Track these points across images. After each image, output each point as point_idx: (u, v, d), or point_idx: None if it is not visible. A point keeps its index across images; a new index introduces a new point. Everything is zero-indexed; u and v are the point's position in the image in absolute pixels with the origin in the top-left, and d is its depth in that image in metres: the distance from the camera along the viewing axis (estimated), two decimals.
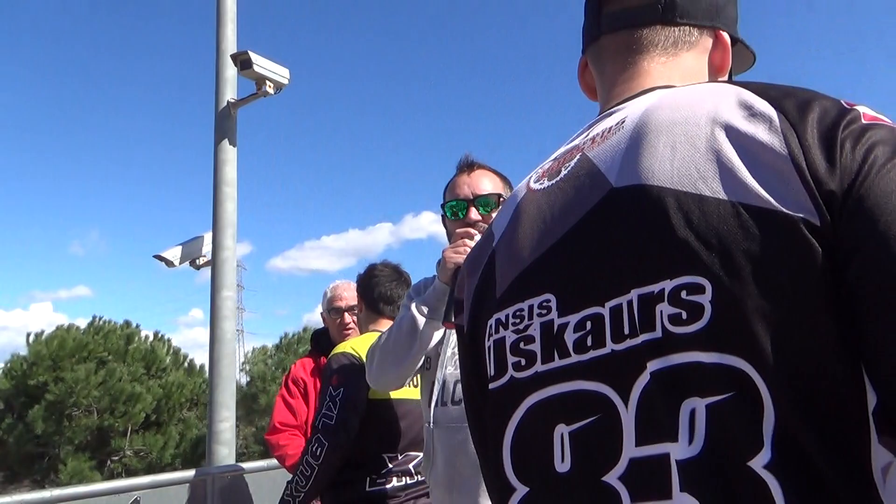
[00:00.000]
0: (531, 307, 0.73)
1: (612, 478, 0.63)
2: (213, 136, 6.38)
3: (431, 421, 1.92)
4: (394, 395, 2.49)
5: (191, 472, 3.87)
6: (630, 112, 0.76)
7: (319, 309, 3.48)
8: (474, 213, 1.95)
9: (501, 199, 1.97)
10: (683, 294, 0.60)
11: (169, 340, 19.95)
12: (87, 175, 61.53)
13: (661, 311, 0.61)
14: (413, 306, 1.92)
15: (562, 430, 0.68)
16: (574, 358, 0.68)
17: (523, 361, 0.73)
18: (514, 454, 0.74)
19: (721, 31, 0.86)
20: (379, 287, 2.74)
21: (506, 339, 0.75)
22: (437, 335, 1.95)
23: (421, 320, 1.90)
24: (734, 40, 0.87)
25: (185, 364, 20.05)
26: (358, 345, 2.60)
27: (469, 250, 1.67)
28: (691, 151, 0.65)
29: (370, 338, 2.43)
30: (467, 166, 2.06)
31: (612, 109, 0.82)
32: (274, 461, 3.61)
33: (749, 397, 0.57)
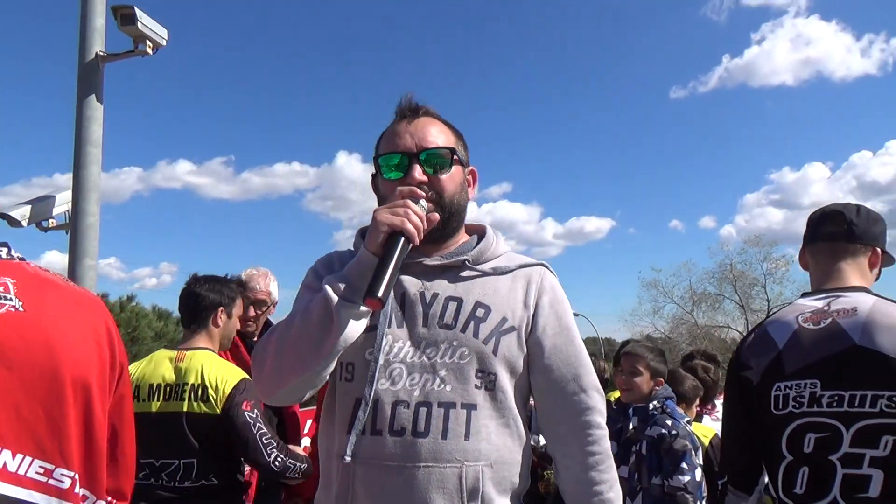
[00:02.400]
0: (805, 384, 1.76)
1: (833, 457, 1.69)
2: (76, 90, 5.88)
3: (349, 453, 1.41)
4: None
5: None
6: (859, 304, 1.78)
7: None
8: (418, 172, 1.52)
9: (455, 157, 1.59)
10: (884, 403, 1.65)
11: None
12: None
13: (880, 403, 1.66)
14: (327, 285, 1.41)
15: (810, 435, 1.73)
16: (824, 409, 1.72)
17: (797, 405, 1.75)
18: (787, 442, 1.79)
19: (877, 248, 1.93)
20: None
21: (790, 394, 1.78)
22: (359, 326, 1.42)
23: (342, 307, 1.38)
24: (884, 252, 1.95)
25: None
26: None
27: (411, 215, 1.41)
28: None
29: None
30: (410, 111, 1.61)
31: (830, 295, 1.88)
32: None
33: None
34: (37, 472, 1.21)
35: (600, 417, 1.55)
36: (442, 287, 1.52)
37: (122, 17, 5.55)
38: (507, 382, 1.49)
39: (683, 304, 33.30)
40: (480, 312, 1.50)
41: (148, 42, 5.80)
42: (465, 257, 1.57)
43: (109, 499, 1.40)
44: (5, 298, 1.23)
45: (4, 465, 1.17)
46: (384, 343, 1.46)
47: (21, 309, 1.23)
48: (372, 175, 1.65)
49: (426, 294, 1.51)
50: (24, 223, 5.90)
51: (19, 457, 1.19)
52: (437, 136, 1.57)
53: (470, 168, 1.68)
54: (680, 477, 2.97)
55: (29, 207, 5.93)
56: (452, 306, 1.50)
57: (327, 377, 1.46)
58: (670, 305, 33.57)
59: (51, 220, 6.11)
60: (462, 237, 1.66)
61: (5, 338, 1.20)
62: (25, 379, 1.21)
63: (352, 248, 1.66)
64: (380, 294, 1.35)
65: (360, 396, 1.45)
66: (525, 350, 1.53)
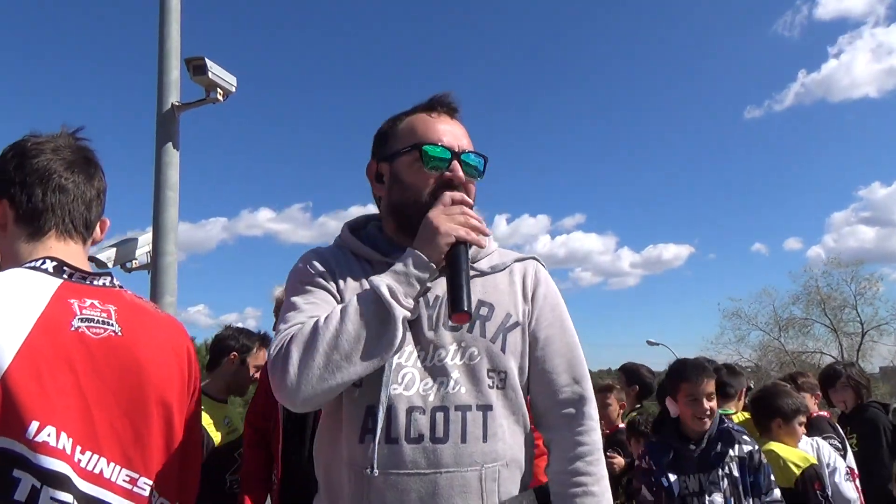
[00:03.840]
0: None
1: None
2: (155, 138, 6.29)
3: (374, 465, 1.35)
4: None
5: None
6: None
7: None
8: (460, 171, 1.51)
9: (485, 167, 1.59)
10: None
11: None
12: None
13: None
14: (383, 285, 1.36)
15: None
16: None
17: None
18: None
19: None
20: None
21: None
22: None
23: (398, 309, 1.35)
24: None
25: None
26: None
27: (473, 222, 1.43)
28: None
29: None
30: (452, 109, 1.59)
31: None
32: None
33: None
34: (124, 480, 1.34)
35: (593, 410, 1.54)
36: (443, 289, 1.46)
37: (194, 68, 5.94)
38: (516, 379, 1.49)
39: (769, 331, 31.84)
40: (485, 311, 1.49)
41: (219, 90, 6.18)
42: None
43: None
44: (108, 324, 1.37)
45: (101, 472, 1.31)
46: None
47: (120, 333, 1.38)
48: (378, 161, 1.59)
49: (428, 297, 1.47)
50: (110, 265, 6.29)
51: (112, 465, 1.33)
52: (471, 143, 1.58)
53: None
54: (775, 491, 2.87)
55: (114, 250, 6.34)
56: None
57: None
58: (756, 332, 32.14)
59: (134, 262, 6.49)
60: None
61: (105, 359, 1.34)
62: (119, 396, 1.35)
63: (339, 244, 1.61)
64: (467, 307, 1.38)
65: (371, 403, 1.40)
66: (527, 343, 1.54)
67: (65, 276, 1.39)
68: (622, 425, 4.85)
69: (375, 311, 1.35)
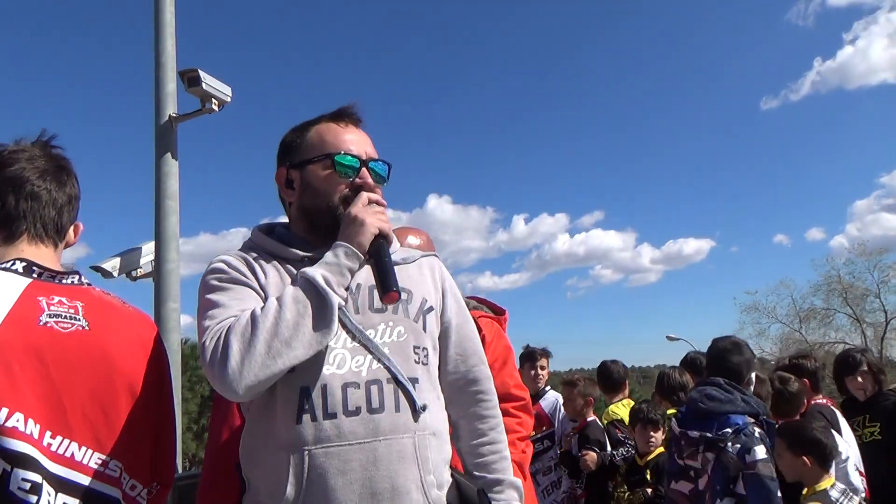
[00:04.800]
0: None
1: None
2: (154, 150, 6.46)
3: (307, 440, 1.43)
4: None
5: None
6: None
7: None
8: (370, 178, 1.65)
9: (390, 174, 1.71)
10: None
11: None
12: None
13: None
14: (318, 275, 1.46)
15: None
16: None
17: None
18: None
19: None
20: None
21: None
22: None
23: (334, 297, 1.45)
24: None
25: None
26: None
27: (387, 219, 1.58)
28: None
29: None
30: (356, 120, 1.71)
31: None
32: None
33: None
34: (96, 463, 1.45)
35: (492, 387, 1.78)
36: (362, 278, 1.58)
37: (189, 80, 6.10)
38: (433, 358, 1.65)
39: (790, 322, 31.46)
40: (405, 296, 1.62)
41: (213, 100, 6.33)
42: None
43: (155, 484, 1.62)
44: (75, 319, 1.47)
45: (72, 455, 1.42)
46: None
47: (87, 328, 1.48)
48: (286, 168, 1.68)
49: (351, 286, 1.56)
50: (115, 274, 6.46)
51: (84, 448, 1.44)
52: (375, 151, 1.70)
53: None
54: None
55: (119, 259, 6.51)
56: (378, 293, 1.56)
57: None
58: (776, 325, 31.77)
59: (138, 270, 6.65)
60: None
61: (74, 351, 1.44)
62: (89, 385, 1.45)
63: (250, 246, 1.66)
64: (396, 288, 1.52)
65: (305, 385, 1.47)
66: (439, 328, 1.71)
67: (34, 275, 1.49)
68: (591, 418, 4.87)
69: (313, 299, 1.45)
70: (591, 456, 4.51)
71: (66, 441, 1.40)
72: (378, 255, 1.54)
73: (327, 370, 1.47)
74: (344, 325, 1.53)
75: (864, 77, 50.66)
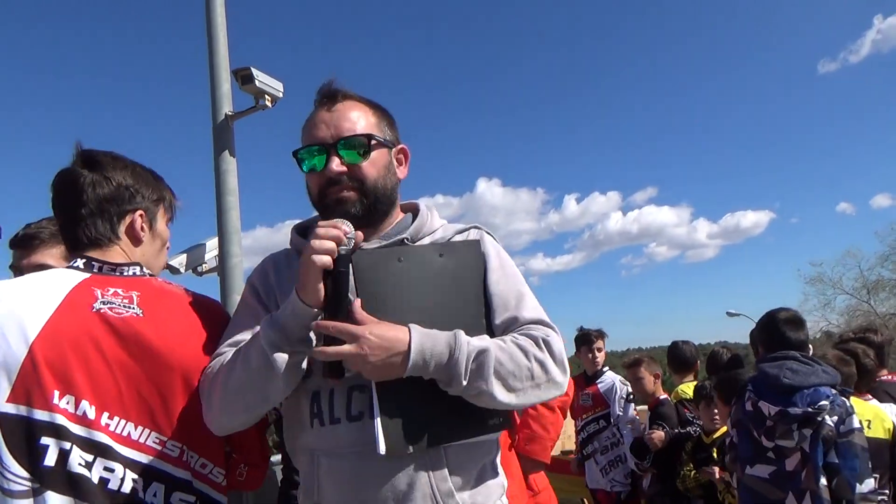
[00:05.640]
0: None
1: None
2: (213, 148, 6.65)
3: (317, 447, 1.49)
4: None
5: None
6: None
7: None
8: (336, 164, 1.51)
9: (374, 142, 1.55)
10: None
11: None
12: None
13: None
14: (264, 342, 1.40)
15: None
16: None
17: None
18: None
19: None
20: None
21: None
22: (300, 368, 1.45)
23: (282, 360, 1.39)
24: None
25: None
26: None
27: (333, 242, 1.38)
28: None
29: None
30: (328, 98, 1.58)
31: None
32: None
33: None
34: (154, 442, 1.55)
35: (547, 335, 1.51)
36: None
37: (242, 78, 6.25)
38: None
39: (857, 294, 30.32)
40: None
41: (267, 97, 6.47)
42: (404, 235, 1.59)
43: (243, 465, 1.74)
44: (129, 307, 1.58)
45: (129, 434, 1.52)
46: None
47: (141, 315, 1.58)
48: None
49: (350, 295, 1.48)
50: (182, 270, 6.70)
51: (140, 428, 1.54)
52: (355, 121, 1.54)
53: (399, 147, 1.67)
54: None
55: (185, 256, 6.74)
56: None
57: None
58: (842, 297, 30.68)
59: (203, 265, 6.89)
60: (397, 216, 1.67)
61: (129, 336, 1.55)
62: (145, 367, 1.55)
63: (289, 247, 1.66)
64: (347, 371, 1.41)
65: (316, 389, 1.49)
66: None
67: (94, 270, 1.63)
68: (663, 396, 4.84)
69: (262, 358, 1.40)
70: (658, 434, 4.50)
71: (123, 421, 1.51)
72: (334, 297, 1.40)
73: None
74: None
75: None
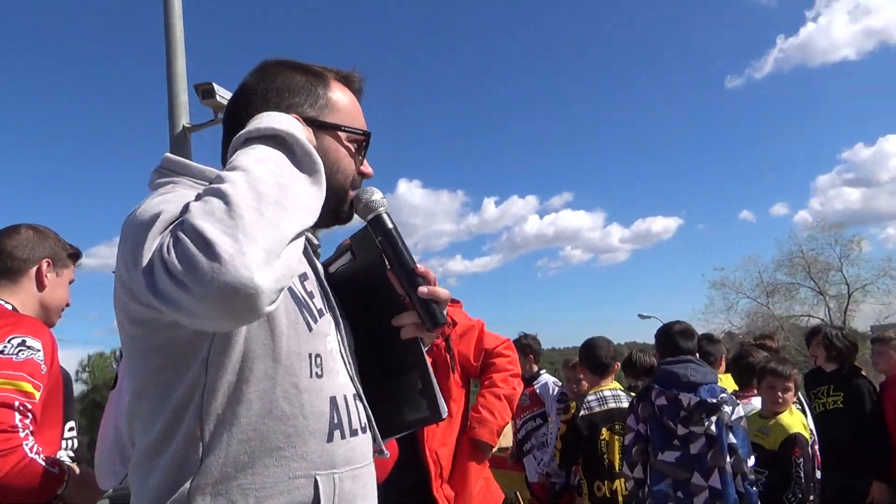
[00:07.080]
0: None
1: None
2: None
3: (337, 463, 1.12)
4: None
5: None
6: None
7: None
8: (368, 167, 1.33)
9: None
10: None
11: None
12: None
13: None
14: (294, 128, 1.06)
15: None
16: None
17: None
18: None
19: None
20: None
21: None
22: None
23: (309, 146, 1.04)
24: None
25: None
26: None
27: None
28: None
29: None
30: (361, 90, 1.38)
31: None
32: None
33: None
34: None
35: None
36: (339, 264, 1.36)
37: (203, 93, 6.48)
38: None
39: (757, 297, 32.60)
40: None
41: None
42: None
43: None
44: None
45: None
46: (335, 336, 1.21)
47: None
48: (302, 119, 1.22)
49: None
50: None
51: None
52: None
53: None
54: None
55: None
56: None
57: None
58: (744, 300, 32.88)
59: None
60: None
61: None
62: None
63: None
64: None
65: (334, 395, 1.15)
66: None
67: None
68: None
69: (286, 150, 1.03)
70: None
71: None
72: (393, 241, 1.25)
73: (343, 379, 1.22)
74: (338, 324, 1.25)
75: (826, 54, 52.03)
